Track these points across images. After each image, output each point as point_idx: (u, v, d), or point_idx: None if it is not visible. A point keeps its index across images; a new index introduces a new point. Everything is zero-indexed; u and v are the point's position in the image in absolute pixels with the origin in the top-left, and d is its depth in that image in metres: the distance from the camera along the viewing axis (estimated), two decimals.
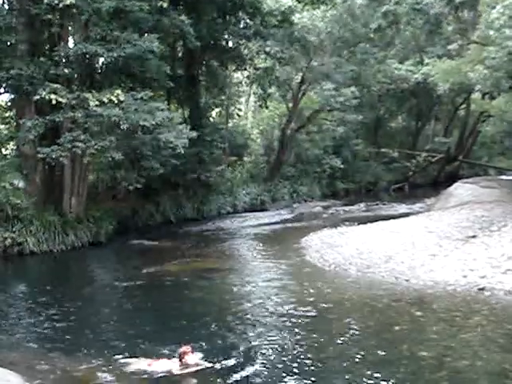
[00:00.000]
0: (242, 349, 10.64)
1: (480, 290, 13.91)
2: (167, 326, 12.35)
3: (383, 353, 10.03)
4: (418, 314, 12.57)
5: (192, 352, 9.91)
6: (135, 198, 27.55)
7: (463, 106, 46.24)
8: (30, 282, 18.09)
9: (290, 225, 27.87)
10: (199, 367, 9.71)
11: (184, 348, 9.94)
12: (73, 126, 21.24)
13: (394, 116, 48.99)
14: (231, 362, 9.99)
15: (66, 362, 10.25)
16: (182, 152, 22.98)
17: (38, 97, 20.63)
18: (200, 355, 10.10)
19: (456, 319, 12.16)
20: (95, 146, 20.87)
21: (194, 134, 23.70)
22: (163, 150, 23.96)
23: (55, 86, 20.74)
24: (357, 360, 9.76)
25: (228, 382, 9.28)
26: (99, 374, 9.67)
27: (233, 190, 33.28)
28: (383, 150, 43.31)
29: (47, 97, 20.42)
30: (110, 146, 21.31)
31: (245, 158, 38.31)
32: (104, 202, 26.50)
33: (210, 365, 9.78)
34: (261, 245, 22.95)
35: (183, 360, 9.78)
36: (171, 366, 9.79)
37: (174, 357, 10.00)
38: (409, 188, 41.73)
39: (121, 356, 10.39)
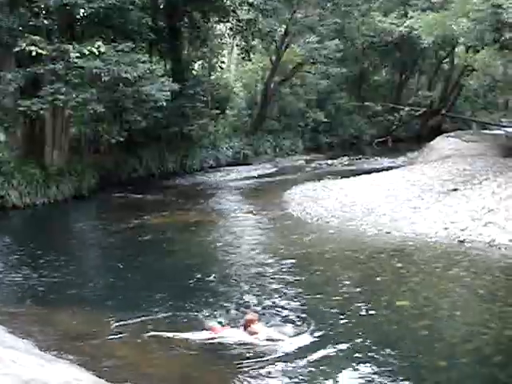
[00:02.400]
0: (222, 301, 10.72)
1: (460, 242, 14.06)
2: (153, 279, 12.40)
3: (364, 303, 10.14)
4: (399, 265, 12.70)
5: (258, 320, 9.19)
6: (118, 152, 27.37)
7: (447, 59, 46.03)
8: (13, 235, 17.99)
9: (272, 178, 27.88)
10: (266, 336, 8.88)
11: (250, 316, 9.29)
12: (53, 79, 20.94)
13: (377, 69, 48.68)
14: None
15: (52, 316, 10.29)
16: (164, 105, 22.80)
17: (17, 49, 20.27)
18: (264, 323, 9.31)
19: (436, 271, 12.30)
20: (76, 99, 20.63)
21: (176, 86, 23.49)
22: (145, 103, 23.71)
23: (35, 37, 20.37)
24: (338, 310, 9.86)
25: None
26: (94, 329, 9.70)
27: (215, 144, 33.12)
28: (367, 103, 43.05)
29: (27, 48, 20.07)
30: (91, 99, 21.06)
31: (227, 112, 38.00)
32: (86, 155, 26.33)
33: (277, 333, 8.98)
34: (244, 198, 22.99)
35: (249, 329, 9.02)
36: (237, 335, 9.02)
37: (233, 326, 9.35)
38: (392, 142, 41.72)
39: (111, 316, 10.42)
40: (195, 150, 31.36)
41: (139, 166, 28.46)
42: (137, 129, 26.04)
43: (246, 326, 9.08)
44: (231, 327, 9.32)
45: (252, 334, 8.92)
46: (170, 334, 9.05)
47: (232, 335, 9.02)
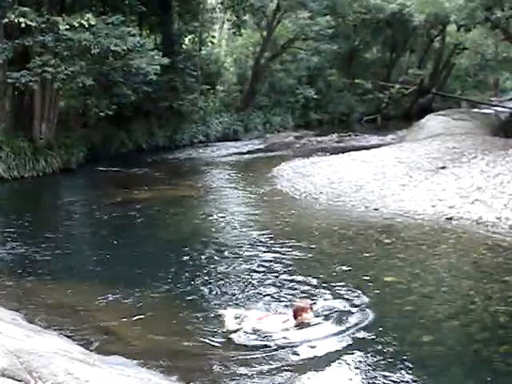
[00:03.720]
0: (206, 277, 10.77)
1: (448, 219, 14.12)
2: (142, 254, 12.41)
3: (351, 279, 10.20)
4: (387, 241, 12.76)
5: (311, 308, 8.29)
6: (107, 126, 27.30)
7: (438, 38, 45.99)
8: (0, 208, 17.98)
9: (262, 154, 27.90)
10: (318, 326, 8.13)
11: (302, 303, 8.34)
12: (43, 51, 20.84)
13: (368, 47, 48.53)
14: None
15: (40, 288, 10.30)
16: (154, 79, 22.78)
17: (6, 20, 20.15)
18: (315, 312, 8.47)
19: (423, 247, 12.37)
20: (65, 71, 20.55)
21: (166, 60, 23.42)
22: (135, 76, 23.71)
23: (24, 9, 20.23)
24: (324, 285, 9.91)
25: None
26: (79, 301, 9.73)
27: (205, 119, 33.06)
28: (357, 80, 43.02)
29: (16, 20, 19.95)
30: (80, 72, 21.00)
31: (218, 87, 37.89)
32: (75, 129, 26.25)
33: (330, 323, 8.27)
34: (233, 174, 23.00)
35: (299, 318, 8.10)
36: (286, 323, 8.14)
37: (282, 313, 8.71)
38: (381, 120, 41.75)
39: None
40: (185, 125, 31.31)
41: (128, 141, 28.40)
42: (126, 103, 25.93)
43: (296, 315, 8.13)
44: (274, 314, 8.59)
45: (303, 323, 8.08)
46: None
47: (277, 323, 8.17)
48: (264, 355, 7.49)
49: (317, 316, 8.32)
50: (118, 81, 24.41)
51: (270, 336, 7.93)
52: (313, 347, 7.70)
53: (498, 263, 11.26)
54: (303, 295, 9.38)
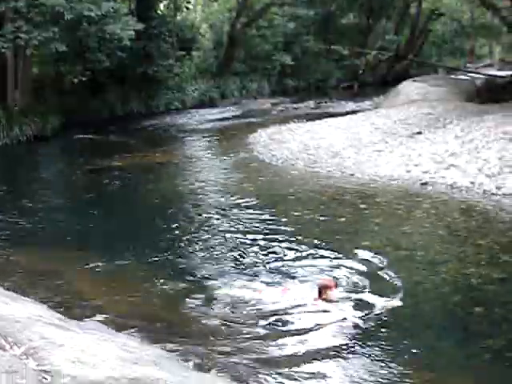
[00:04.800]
0: (182, 243, 10.80)
1: (423, 184, 14.23)
2: (120, 222, 12.42)
3: (325, 243, 10.26)
4: (362, 206, 12.85)
5: (336, 286, 8.10)
6: (82, 93, 27.02)
7: (415, 3, 45.84)
8: None
9: (238, 121, 27.80)
10: (341, 304, 7.84)
11: (326, 281, 8.18)
12: (15, 17, 20.49)
13: (345, 12, 48.30)
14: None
15: (17, 256, 10.26)
16: (129, 44, 22.53)
17: None
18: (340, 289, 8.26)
19: (398, 212, 12.47)
20: (38, 37, 20.27)
21: (141, 25, 23.20)
22: (109, 42, 23.40)
23: None
24: (299, 248, 9.99)
25: None
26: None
27: (181, 86, 32.82)
28: (334, 47, 42.85)
29: None
30: (53, 38, 20.71)
31: (193, 53, 37.57)
32: (50, 96, 25.95)
33: (354, 299, 8.00)
34: (209, 140, 22.93)
35: (324, 295, 7.90)
36: (308, 299, 7.95)
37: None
38: (358, 86, 41.69)
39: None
40: (160, 92, 31.06)
41: (103, 108, 28.13)
42: (101, 69, 25.65)
43: (320, 293, 7.93)
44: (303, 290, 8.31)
45: (326, 300, 7.84)
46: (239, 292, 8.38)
47: (299, 298, 8.00)
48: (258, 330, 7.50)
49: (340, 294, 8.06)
50: (91, 46, 24.10)
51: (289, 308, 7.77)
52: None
53: (472, 227, 11.40)
54: (277, 256, 9.51)
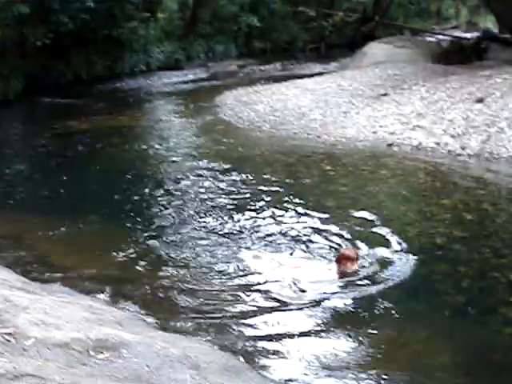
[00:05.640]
0: (147, 207, 10.76)
1: (388, 145, 14.31)
2: (82, 184, 12.35)
3: (291, 205, 10.30)
4: (328, 168, 12.89)
5: (357, 258, 7.60)
6: (45, 56, 26.45)
7: None
8: None
9: (204, 83, 27.58)
10: (360, 277, 7.48)
11: (348, 252, 7.67)
12: None
13: None
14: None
15: None
16: (92, 6, 22.10)
17: None
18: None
19: (364, 173, 12.56)
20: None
21: None
22: (72, 3, 22.93)
23: None
24: (268, 210, 10.03)
25: None
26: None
27: (146, 48, 32.33)
28: (301, 8, 42.51)
29: None
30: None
31: (158, 15, 36.99)
32: (12, 59, 25.41)
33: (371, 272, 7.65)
34: (175, 103, 22.72)
35: (343, 267, 7.47)
36: (326, 272, 7.55)
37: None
38: (325, 48, 41.50)
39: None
40: (125, 54, 30.55)
41: (67, 70, 27.63)
42: (64, 31, 25.12)
43: (340, 262, 7.52)
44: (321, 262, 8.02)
45: (345, 273, 7.46)
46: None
47: (316, 271, 7.58)
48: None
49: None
50: (54, 8, 23.58)
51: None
52: None
53: (437, 187, 11.54)
54: (244, 218, 9.54)
